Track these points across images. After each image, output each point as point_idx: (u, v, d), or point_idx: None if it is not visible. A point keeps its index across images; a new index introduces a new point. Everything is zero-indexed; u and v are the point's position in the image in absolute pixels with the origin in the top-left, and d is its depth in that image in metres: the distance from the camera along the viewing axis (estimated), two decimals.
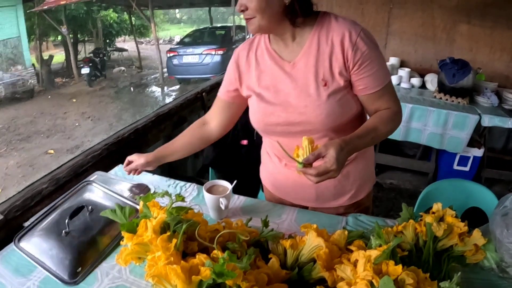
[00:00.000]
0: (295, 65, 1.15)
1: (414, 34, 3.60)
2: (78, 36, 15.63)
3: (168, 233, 0.85)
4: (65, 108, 9.01)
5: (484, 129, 3.21)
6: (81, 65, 11.76)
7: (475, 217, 1.45)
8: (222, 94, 1.34)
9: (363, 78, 1.11)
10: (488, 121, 2.88)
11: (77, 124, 7.73)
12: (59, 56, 14.29)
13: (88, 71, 11.28)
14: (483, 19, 3.42)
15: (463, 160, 3.19)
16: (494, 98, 3.10)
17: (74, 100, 9.81)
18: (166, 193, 1.01)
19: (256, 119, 1.26)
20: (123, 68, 14.23)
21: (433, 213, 1.01)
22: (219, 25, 14.13)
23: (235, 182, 1.26)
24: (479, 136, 3.29)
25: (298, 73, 1.15)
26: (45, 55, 12.55)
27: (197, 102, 2.57)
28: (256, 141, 2.06)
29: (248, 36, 10.46)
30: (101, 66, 12.13)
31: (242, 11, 1.07)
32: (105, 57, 13.05)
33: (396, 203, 3.15)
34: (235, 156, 2.08)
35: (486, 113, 2.91)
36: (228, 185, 1.25)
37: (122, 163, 1.36)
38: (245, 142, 2.08)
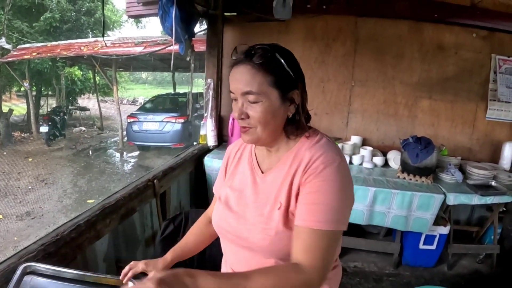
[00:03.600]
0: (264, 177, 1.09)
1: (376, 111, 3.64)
2: (42, 90, 15.40)
3: None
4: (20, 168, 8.59)
5: (449, 205, 3.17)
6: (41, 122, 11.44)
7: None
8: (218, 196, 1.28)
9: (301, 204, 0.97)
10: (454, 199, 2.84)
11: (30, 187, 7.28)
12: (21, 108, 13.94)
13: (46, 130, 10.95)
14: (444, 93, 3.55)
15: (429, 239, 3.12)
16: (458, 174, 3.10)
17: (30, 160, 9.39)
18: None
19: (215, 221, 1.19)
20: (83, 128, 14.00)
21: None
22: (181, 91, 14.24)
23: None
24: (444, 212, 3.25)
25: (264, 187, 1.08)
26: (6, 107, 12.22)
27: (148, 190, 2.36)
28: None
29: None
30: (61, 125, 11.82)
31: (242, 119, 1.00)
32: (65, 116, 12.81)
33: None
34: (186, 258, 1.92)
35: (451, 191, 2.87)
36: None
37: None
38: None
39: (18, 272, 1.12)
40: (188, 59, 3.22)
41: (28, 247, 1.51)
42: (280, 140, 1.07)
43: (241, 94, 0.97)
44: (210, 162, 3.15)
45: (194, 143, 3.62)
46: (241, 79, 0.97)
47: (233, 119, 3.41)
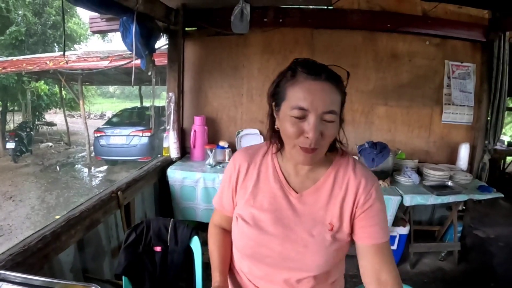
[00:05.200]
0: (302, 198, 1.08)
1: None
2: (8, 105, 14.98)
3: None
4: None
5: (408, 206, 3.28)
6: (7, 138, 11.17)
7: None
8: (227, 212, 1.23)
9: (369, 226, 1.05)
10: (410, 200, 2.94)
11: None
12: None
13: (13, 146, 10.72)
14: (399, 99, 3.68)
15: (390, 239, 3.18)
16: (415, 176, 3.21)
17: None
18: None
19: (243, 244, 1.12)
20: (50, 144, 13.70)
21: None
22: (147, 105, 14.20)
23: None
24: (404, 213, 3.36)
25: (305, 208, 1.07)
26: None
27: (112, 202, 2.38)
28: (170, 248, 1.97)
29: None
30: (28, 141, 11.58)
31: (317, 140, 0.96)
32: (32, 132, 12.57)
33: None
34: (149, 264, 1.96)
35: (408, 192, 2.97)
36: None
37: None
38: (158, 249, 1.97)
39: None
40: (149, 73, 3.25)
41: None
42: (317, 161, 1.05)
43: (323, 113, 0.94)
44: (173, 174, 3.17)
45: (159, 156, 3.64)
46: (323, 97, 0.94)
47: (195, 131, 3.46)
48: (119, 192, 2.44)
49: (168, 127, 3.46)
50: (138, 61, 3.15)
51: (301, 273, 1.05)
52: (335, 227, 1.05)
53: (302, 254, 1.04)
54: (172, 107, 3.43)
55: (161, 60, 4.22)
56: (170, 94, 3.47)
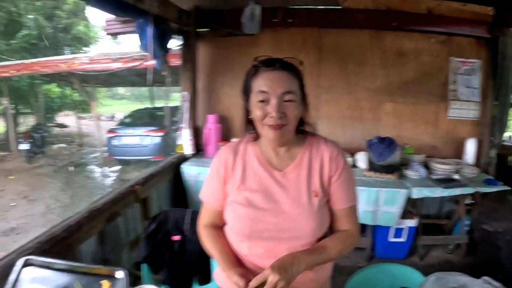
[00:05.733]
0: (286, 174, 1.24)
1: (342, 116, 3.83)
2: (19, 108, 15.18)
3: None
4: (2, 185, 8.48)
5: (416, 199, 3.36)
6: (21, 140, 11.32)
7: None
8: (217, 205, 1.32)
9: (338, 190, 1.25)
10: (418, 193, 3.04)
11: (13, 204, 7.27)
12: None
13: (27, 147, 10.86)
14: (405, 96, 3.77)
15: (399, 232, 3.27)
16: (422, 170, 3.30)
17: (12, 177, 9.28)
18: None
19: (241, 225, 1.23)
20: (63, 145, 13.86)
21: None
22: (159, 105, 14.31)
23: None
24: (412, 206, 3.43)
25: (289, 183, 1.23)
26: None
27: (131, 196, 2.51)
28: (188, 237, 2.08)
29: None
30: (41, 142, 11.77)
31: (280, 117, 1.14)
32: (45, 133, 12.71)
33: (336, 282, 3.13)
34: (168, 252, 2.07)
35: (415, 185, 3.07)
36: None
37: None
38: (177, 238, 2.08)
39: (19, 264, 1.24)
40: (164, 73, 3.39)
41: (25, 245, 1.67)
42: (290, 140, 1.24)
43: (280, 94, 1.13)
44: (188, 169, 3.31)
45: (173, 152, 3.77)
46: (280, 81, 1.15)
47: (209, 129, 3.59)
48: (137, 186, 2.57)
49: (182, 125, 3.59)
50: (153, 61, 3.28)
51: (299, 241, 1.19)
52: (319, 194, 1.22)
53: (296, 222, 1.19)
54: (187, 105, 3.55)
55: (172, 61, 4.34)
56: (184, 93, 3.61)
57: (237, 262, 1.24)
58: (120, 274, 1.22)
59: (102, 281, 1.07)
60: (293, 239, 1.18)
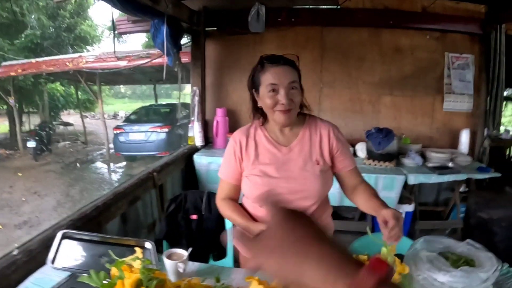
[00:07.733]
0: (291, 149, 1.52)
1: (343, 109, 4.04)
2: (23, 107, 15.33)
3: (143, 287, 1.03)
4: (11, 182, 8.64)
5: (413, 186, 3.56)
6: (27, 138, 11.46)
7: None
8: (233, 180, 1.59)
9: (343, 159, 1.54)
10: (414, 179, 3.24)
11: (23, 199, 7.46)
12: (2, 126, 13.82)
13: (34, 145, 10.97)
14: (403, 89, 3.97)
15: None
16: (418, 158, 3.50)
17: (20, 174, 9.45)
18: (137, 258, 1.14)
19: (259, 192, 1.49)
20: (68, 142, 14.02)
21: None
22: (164, 102, 14.46)
23: (190, 249, 1.42)
24: (410, 193, 3.64)
25: (294, 155, 1.51)
26: None
27: (149, 182, 2.74)
28: (205, 216, 2.30)
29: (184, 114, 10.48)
30: (47, 140, 11.92)
31: (289, 102, 1.40)
32: (51, 131, 12.87)
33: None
34: (186, 230, 2.29)
35: (412, 172, 3.27)
36: (184, 253, 1.40)
37: None
38: (194, 217, 2.30)
39: (59, 235, 1.43)
40: (176, 69, 3.60)
41: (59, 222, 1.87)
42: (294, 120, 1.49)
43: (288, 84, 1.39)
44: (200, 159, 3.53)
45: (184, 145, 3.96)
46: (285, 74, 1.40)
47: (217, 122, 3.80)
48: (154, 173, 2.80)
49: (192, 118, 3.82)
50: (159, 59, 3.49)
51: (308, 201, 1.49)
52: (320, 162, 1.50)
53: (304, 184, 1.48)
54: (197, 100, 3.78)
55: (182, 59, 4.54)
56: (195, 88, 3.83)
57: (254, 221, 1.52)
58: (148, 245, 1.40)
59: (136, 248, 1.19)
60: (303, 199, 1.48)
